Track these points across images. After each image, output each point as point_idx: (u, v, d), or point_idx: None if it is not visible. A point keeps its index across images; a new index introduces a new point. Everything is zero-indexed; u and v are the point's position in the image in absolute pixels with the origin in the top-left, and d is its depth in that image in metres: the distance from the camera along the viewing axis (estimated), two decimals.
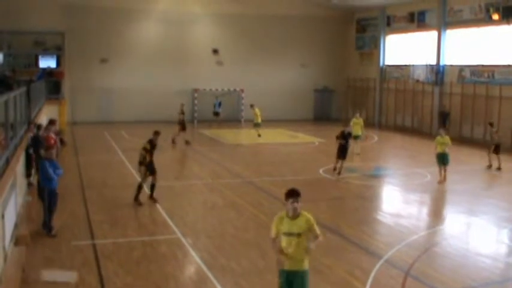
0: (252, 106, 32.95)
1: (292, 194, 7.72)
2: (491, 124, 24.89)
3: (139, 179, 16.75)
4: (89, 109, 39.21)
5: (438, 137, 20.72)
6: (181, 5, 40.98)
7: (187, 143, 29.01)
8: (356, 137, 25.60)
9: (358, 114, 27.74)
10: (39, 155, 15.77)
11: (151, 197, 16.63)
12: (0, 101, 10.61)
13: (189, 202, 17.35)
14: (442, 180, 20.20)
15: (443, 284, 10.67)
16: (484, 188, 20.26)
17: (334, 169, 21.17)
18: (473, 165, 25.29)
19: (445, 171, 20.29)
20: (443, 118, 33.86)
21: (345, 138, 20.93)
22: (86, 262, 11.51)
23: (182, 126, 29.10)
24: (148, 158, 16.29)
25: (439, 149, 20.35)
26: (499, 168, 23.16)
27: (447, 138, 20.43)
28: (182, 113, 29.52)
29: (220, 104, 39.02)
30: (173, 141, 29.00)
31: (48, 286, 10.28)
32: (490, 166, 23.58)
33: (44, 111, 28.90)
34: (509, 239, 14.38)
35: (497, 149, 23.30)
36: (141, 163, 16.35)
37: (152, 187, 16.62)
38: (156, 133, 16.62)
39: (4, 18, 35.57)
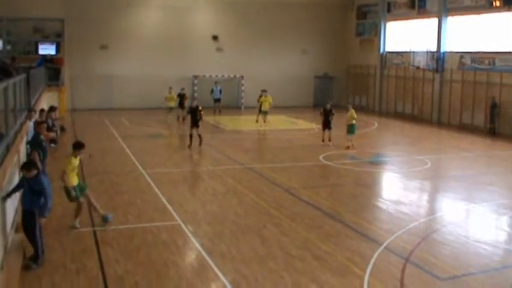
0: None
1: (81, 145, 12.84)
2: (263, 91, 32.25)
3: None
4: (88, 96, 39.13)
5: (349, 112, 24.73)
6: None
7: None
8: (265, 113, 31.50)
9: (266, 93, 31.92)
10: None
11: None
12: None
13: (190, 189, 17.37)
14: (349, 147, 24.32)
15: (443, 271, 10.70)
16: (485, 175, 20.24)
17: (323, 140, 25.24)
18: (474, 151, 25.32)
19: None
20: (493, 111, 30.60)
21: (326, 114, 25.14)
22: (87, 249, 11.54)
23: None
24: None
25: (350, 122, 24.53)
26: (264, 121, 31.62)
27: (353, 112, 24.66)
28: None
29: (221, 91, 38.72)
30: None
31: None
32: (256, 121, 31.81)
33: (43, 98, 28.88)
34: (509, 226, 14.40)
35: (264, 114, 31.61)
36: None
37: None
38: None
39: (3, 5, 35.44)
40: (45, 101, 29.93)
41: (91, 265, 10.67)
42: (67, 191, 12.70)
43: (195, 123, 23.78)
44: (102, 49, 39.35)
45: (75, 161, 12.75)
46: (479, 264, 11.20)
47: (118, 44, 39.62)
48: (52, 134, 20.54)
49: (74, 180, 12.72)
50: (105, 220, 13.03)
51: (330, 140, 25.10)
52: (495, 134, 30.15)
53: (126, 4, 39.50)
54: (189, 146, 23.94)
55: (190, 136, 23.86)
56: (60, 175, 12.65)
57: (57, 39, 38.18)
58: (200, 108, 24.06)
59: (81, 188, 12.92)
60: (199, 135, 23.92)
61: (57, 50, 37.99)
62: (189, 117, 24.40)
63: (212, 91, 38.07)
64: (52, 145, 21.62)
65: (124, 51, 39.76)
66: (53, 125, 22.71)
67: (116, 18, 39.37)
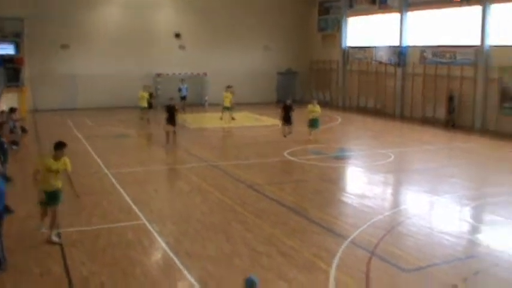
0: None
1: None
2: (228, 87, 33.07)
3: None
4: (50, 96, 38.46)
5: (310, 105, 26.02)
6: None
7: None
8: (227, 108, 32.00)
9: (229, 89, 32.70)
10: None
11: None
12: None
13: (155, 188, 17.25)
14: (310, 141, 25.13)
15: (407, 263, 10.83)
16: (446, 167, 20.55)
17: (285, 136, 25.74)
18: (436, 144, 25.66)
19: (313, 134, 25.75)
20: (450, 104, 31.39)
21: (286, 109, 25.67)
22: (51, 251, 11.38)
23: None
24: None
25: (311, 116, 25.66)
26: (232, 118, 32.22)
27: (318, 107, 25.94)
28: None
29: (187, 89, 38.45)
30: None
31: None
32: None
33: (3, 99, 28.41)
34: (471, 217, 14.64)
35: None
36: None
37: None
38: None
39: None
40: (5, 102, 29.41)
41: (56, 268, 10.52)
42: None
43: (171, 121, 24.21)
44: (63, 48, 38.76)
45: (51, 163, 11.70)
46: (443, 254, 11.36)
47: (79, 43, 39.06)
48: (13, 136, 20.22)
49: (46, 185, 11.74)
50: (51, 238, 11.85)
51: (290, 133, 25.69)
52: (454, 126, 30.58)
53: (87, 2, 38.97)
54: (168, 142, 24.31)
55: (168, 133, 24.27)
56: (33, 173, 11.89)
57: (16, 38, 37.48)
58: (177, 107, 25.17)
59: (53, 196, 11.89)
60: (174, 132, 24.31)
61: (17, 49, 37.33)
62: (157, 115, 24.45)
63: (180, 89, 37.79)
64: (14, 147, 21.28)
65: (86, 50, 39.22)
66: (14, 127, 22.36)
67: (77, 17, 38.77)
